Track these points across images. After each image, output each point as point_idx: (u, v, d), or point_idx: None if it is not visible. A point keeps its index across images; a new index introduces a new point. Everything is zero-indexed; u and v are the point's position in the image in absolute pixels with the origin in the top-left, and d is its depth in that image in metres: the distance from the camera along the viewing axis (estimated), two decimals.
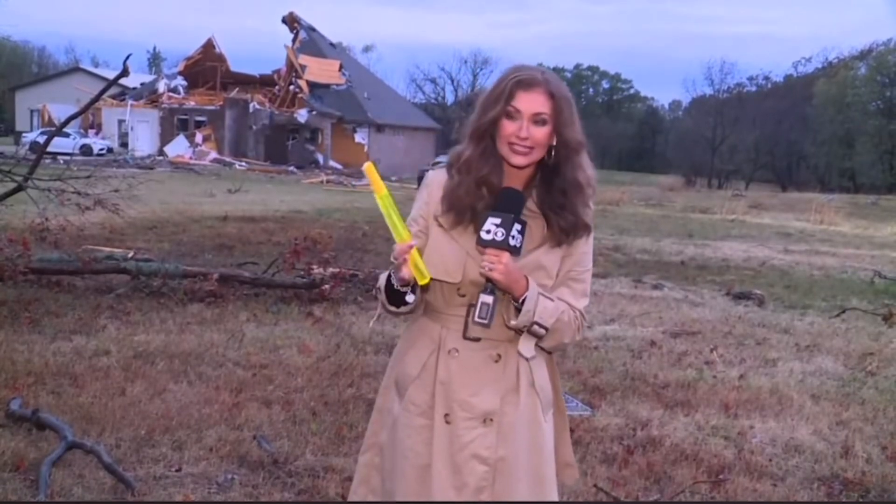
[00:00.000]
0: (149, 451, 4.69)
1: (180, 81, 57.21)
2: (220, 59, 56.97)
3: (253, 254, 12.38)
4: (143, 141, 53.13)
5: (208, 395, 5.70)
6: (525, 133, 2.32)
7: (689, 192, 50.69)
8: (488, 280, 2.30)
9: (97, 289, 9.02)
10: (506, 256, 2.27)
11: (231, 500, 4.22)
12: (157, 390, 5.75)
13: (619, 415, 5.87)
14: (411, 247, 2.24)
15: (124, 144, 53.21)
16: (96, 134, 53.91)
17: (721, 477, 4.85)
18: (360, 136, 52.31)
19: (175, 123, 53.81)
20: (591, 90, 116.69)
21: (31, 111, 63.53)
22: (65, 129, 15.97)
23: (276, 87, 55.26)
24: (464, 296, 2.38)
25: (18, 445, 4.59)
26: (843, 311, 10.46)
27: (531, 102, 2.33)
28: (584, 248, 2.44)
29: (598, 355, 7.60)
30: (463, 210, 2.38)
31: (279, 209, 21.18)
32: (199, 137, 52.42)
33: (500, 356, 2.38)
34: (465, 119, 2.48)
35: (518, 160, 2.35)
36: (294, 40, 56.16)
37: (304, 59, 53.40)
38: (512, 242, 2.27)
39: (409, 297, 2.35)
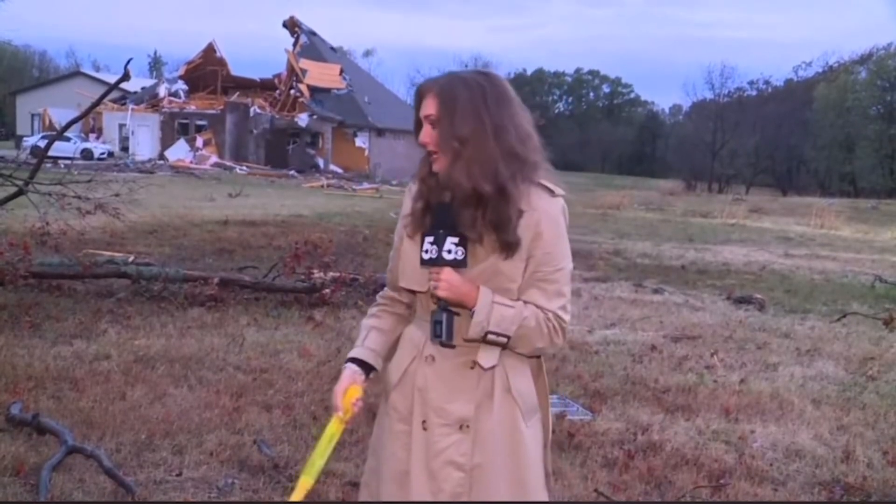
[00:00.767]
0: (149, 455, 4.69)
1: (181, 86, 57.27)
2: (221, 63, 57.04)
3: (253, 258, 12.38)
4: (144, 145, 53.16)
5: (209, 400, 5.69)
6: (423, 137, 2.36)
7: (689, 197, 50.77)
8: (439, 298, 2.34)
9: (98, 293, 9.02)
10: (446, 272, 2.31)
11: None
12: (158, 395, 5.75)
13: (619, 419, 5.87)
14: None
15: (125, 149, 53.23)
16: (97, 138, 53.96)
17: (722, 482, 4.85)
18: (360, 141, 52.35)
19: (176, 128, 53.85)
20: (591, 94, 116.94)
21: (32, 115, 63.60)
22: (65, 134, 15.95)
23: (277, 92, 55.30)
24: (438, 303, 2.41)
25: (19, 450, 4.59)
26: (844, 316, 10.46)
27: (425, 107, 2.37)
28: (549, 248, 2.34)
29: (598, 359, 7.60)
30: (415, 219, 2.42)
31: (280, 213, 21.19)
32: (199, 141, 52.46)
33: (475, 363, 2.37)
34: None
35: (434, 167, 2.37)
36: (295, 45, 56.21)
37: (304, 63, 53.45)
38: (448, 257, 2.31)
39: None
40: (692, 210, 34.58)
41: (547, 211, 2.35)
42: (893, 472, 5.16)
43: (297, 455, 4.82)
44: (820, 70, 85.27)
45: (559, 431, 5.44)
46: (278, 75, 56.35)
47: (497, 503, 2.35)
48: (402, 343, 2.52)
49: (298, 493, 2.39)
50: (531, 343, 2.35)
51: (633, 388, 6.69)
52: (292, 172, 46.86)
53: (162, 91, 56.82)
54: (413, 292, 2.49)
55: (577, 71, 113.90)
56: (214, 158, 50.25)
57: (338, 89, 53.74)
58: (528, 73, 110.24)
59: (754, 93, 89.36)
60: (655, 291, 11.88)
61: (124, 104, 55.38)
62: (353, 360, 2.54)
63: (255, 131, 52.30)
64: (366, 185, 41.77)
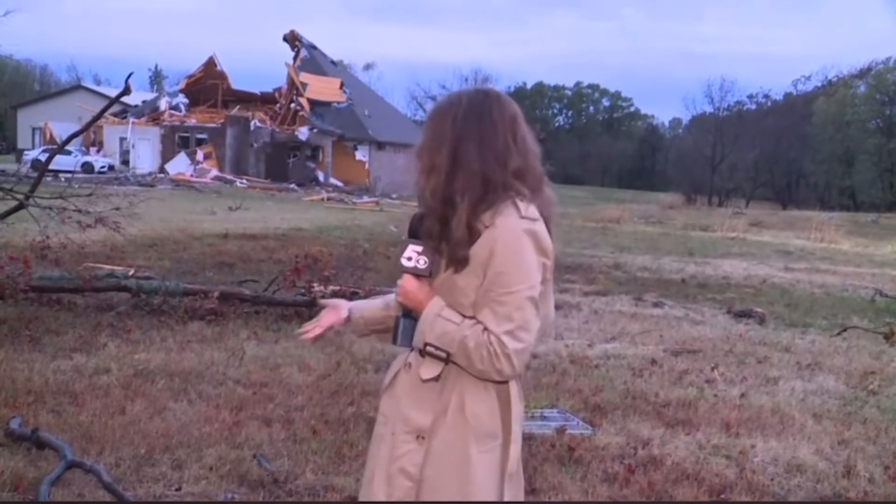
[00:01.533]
0: (148, 470, 4.68)
1: (182, 99, 57.37)
2: (222, 77, 57.17)
3: (253, 271, 12.38)
4: (145, 158, 53.18)
5: (208, 414, 5.68)
6: None
7: (689, 210, 50.81)
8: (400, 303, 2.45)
9: (98, 307, 9.01)
10: (404, 279, 2.39)
11: None
12: (158, 409, 5.74)
13: (620, 434, 5.86)
14: None
15: (125, 162, 53.24)
16: (98, 151, 53.99)
17: (723, 497, 4.84)
18: (360, 154, 52.41)
19: (176, 141, 53.93)
20: (591, 108, 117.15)
21: (33, 129, 63.69)
22: (66, 147, 15.96)
23: (277, 105, 55.40)
24: None
25: (18, 465, 4.58)
26: (845, 330, 10.45)
27: None
28: (501, 268, 2.28)
29: (598, 374, 7.59)
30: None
31: (280, 227, 21.20)
32: (200, 155, 52.53)
33: (440, 373, 2.38)
34: None
35: None
36: (295, 58, 56.32)
37: (305, 76, 53.56)
38: (408, 265, 2.39)
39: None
40: (692, 224, 34.60)
41: (506, 230, 2.30)
42: (895, 488, 5.15)
43: (297, 470, 4.81)
44: (819, 84, 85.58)
45: (559, 446, 5.44)
46: (279, 89, 56.46)
47: None
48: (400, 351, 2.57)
49: None
50: (471, 364, 2.31)
51: (633, 402, 6.68)
52: (292, 186, 46.91)
53: (163, 105, 56.91)
54: None
55: (577, 84, 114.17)
56: (215, 172, 50.31)
57: (338, 103, 53.83)
58: (529, 86, 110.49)
59: (754, 106, 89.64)
60: (655, 305, 11.87)
61: (125, 118, 55.44)
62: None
63: (255, 145, 52.38)
64: (366, 198, 41.81)
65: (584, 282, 13.93)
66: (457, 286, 2.35)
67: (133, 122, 54.91)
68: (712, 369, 7.93)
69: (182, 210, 24.72)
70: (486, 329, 2.28)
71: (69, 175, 21.64)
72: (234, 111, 55.16)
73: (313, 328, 2.74)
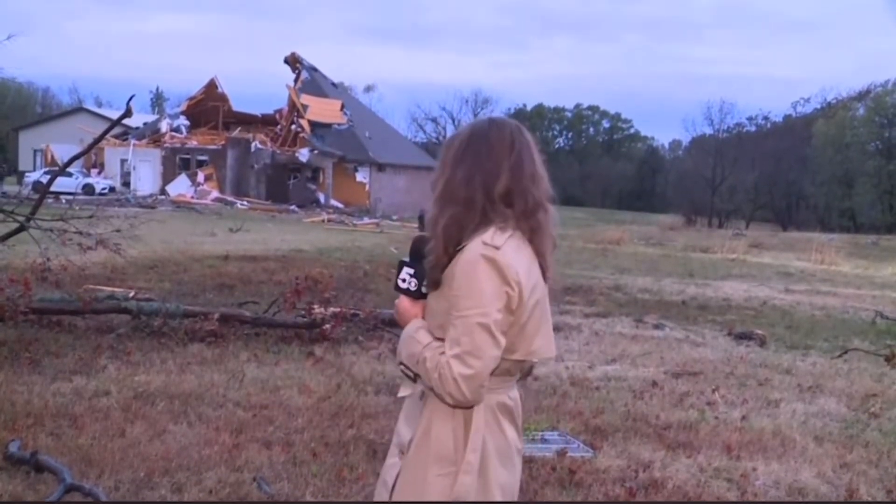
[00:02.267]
0: (148, 493, 4.66)
1: (183, 121, 57.53)
2: (223, 98, 57.35)
3: (254, 293, 12.38)
4: (145, 180, 53.29)
5: (208, 437, 5.67)
6: None
7: (689, 232, 50.79)
8: None
9: (98, 329, 9.01)
10: (401, 300, 2.49)
11: None
12: (157, 431, 5.72)
13: (620, 456, 5.84)
14: None
15: (126, 184, 53.36)
16: (99, 173, 54.12)
17: None
18: (361, 176, 52.48)
19: (177, 163, 54.02)
20: (591, 130, 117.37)
21: (35, 151, 63.76)
22: (67, 169, 16.02)
23: (278, 127, 55.53)
24: None
25: (17, 488, 4.56)
26: (846, 352, 10.43)
27: None
28: (457, 291, 2.31)
29: (599, 395, 7.58)
30: None
31: (280, 248, 21.20)
32: (200, 177, 52.61)
33: (423, 393, 2.43)
34: None
35: None
36: (296, 80, 56.53)
37: (305, 98, 53.74)
38: (402, 286, 2.49)
39: None
40: (692, 245, 34.59)
41: (466, 254, 2.34)
42: None
43: (298, 493, 4.79)
44: (818, 106, 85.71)
45: (560, 469, 5.42)
46: (279, 111, 56.61)
47: None
48: None
49: None
50: (431, 385, 2.34)
51: (634, 424, 6.66)
52: (293, 207, 46.96)
53: (164, 126, 57.06)
54: None
55: (577, 106, 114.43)
56: (215, 193, 50.38)
57: (339, 124, 53.98)
58: (529, 108, 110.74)
59: (753, 128, 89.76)
60: (656, 327, 11.85)
61: (126, 139, 55.58)
62: None
63: (256, 166, 52.47)
64: (366, 220, 41.85)
65: (585, 303, 13.92)
66: (431, 307, 2.43)
67: (134, 144, 55.05)
68: (713, 391, 7.91)
69: (183, 232, 24.74)
70: (443, 352, 2.32)
71: (70, 197, 21.67)
72: (235, 133, 55.29)
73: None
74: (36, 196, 10.67)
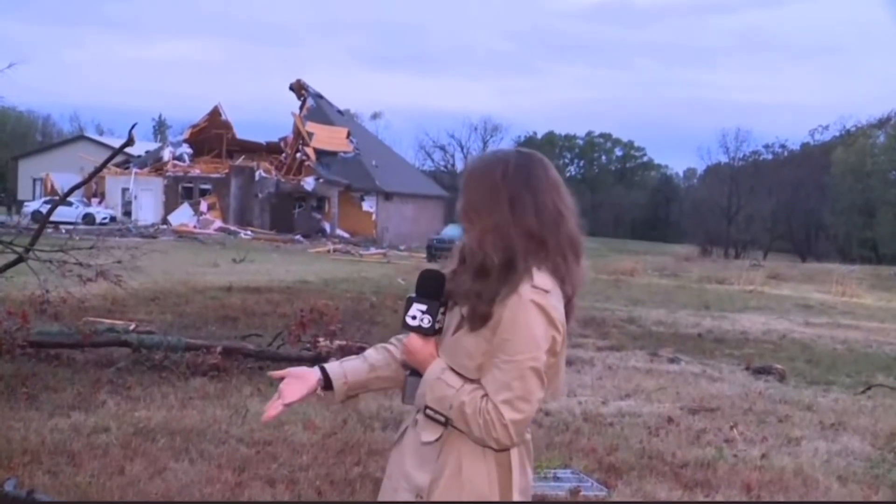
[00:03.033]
0: None
1: (185, 149, 57.92)
2: (226, 126, 57.71)
3: (257, 326, 12.38)
4: (147, 210, 53.57)
5: (210, 474, 5.65)
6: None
7: (704, 262, 50.71)
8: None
9: (97, 362, 9.00)
10: (412, 338, 2.43)
11: None
12: (158, 469, 5.70)
13: (636, 495, 5.80)
14: None
15: (128, 213, 53.66)
16: (99, 203, 54.43)
17: None
18: (367, 205, 52.69)
19: (179, 192, 54.31)
20: (603, 158, 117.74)
21: (34, 180, 64.17)
22: (67, 198, 16.14)
23: (283, 155, 55.85)
24: None
25: None
26: (869, 388, 10.36)
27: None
28: (506, 334, 2.30)
29: (613, 432, 7.53)
30: None
31: (284, 279, 21.23)
32: (203, 206, 52.85)
33: (441, 435, 2.40)
34: None
35: None
36: (301, 108, 56.93)
37: (311, 126, 54.07)
38: (412, 323, 2.42)
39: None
40: (708, 276, 34.51)
41: (516, 297, 2.32)
42: None
43: None
44: (837, 134, 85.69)
45: None
46: (284, 139, 57.00)
47: None
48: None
49: None
50: (469, 431, 2.33)
51: (649, 462, 6.62)
52: (298, 237, 47.11)
53: (166, 155, 57.43)
54: None
55: (589, 134, 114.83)
56: (218, 223, 50.57)
57: (345, 152, 54.28)
58: (539, 135, 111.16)
59: (770, 156, 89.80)
60: (671, 361, 11.81)
61: (128, 168, 55.96)
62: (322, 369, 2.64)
63: (260, 195, 52.69)
64: (373, 250, 41.96)
65: (598, 336, 13.89)
66: (464, 347, 2.38)
67: (136, 173, 55.40)
68: (731, 428, 7.86)
69: (185, 262, 24.80)
70: (485, 395, 2.30)
71: (70, 227, 21.75)
72: (239, 161, 55.59)
73: (273, 406, 2.59)
74: (35, 226, 10.73)
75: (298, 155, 53.78)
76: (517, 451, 2.41)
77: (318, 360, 9.18)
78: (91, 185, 52.01)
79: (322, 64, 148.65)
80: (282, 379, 2.62)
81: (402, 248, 45.58)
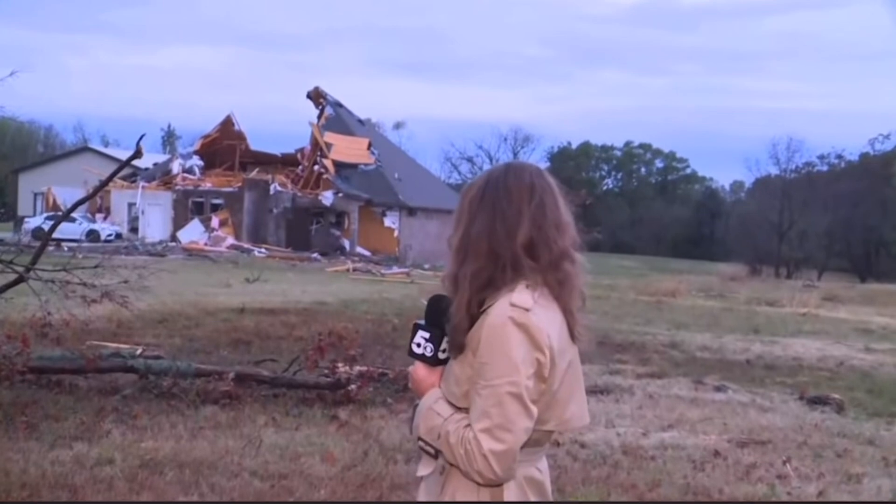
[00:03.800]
0: None
1: (196, 161, 58.29)
2: (240, 137, 58.11)
3: (272, 350, 12.42)
4: (155, 226, 53.94)
5: None
6: None
7: (753, 283, 50.42)
8: None
9: (101, 389, 9.07)
10: (417, 367, 2.50)
11: None
12: None
13: None
14: None
15: (134, 230, 54.07)
16: (104, 218, 54.91)
17: None
18: (389, 221, 52.79)
19: (189, 207, 54.65)
20: (642, 170, 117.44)
21: (35, 194, 64.81)
22: (71, 214, 16.33)
23: (300, 168, 56.13)
24: None
25: None
26: None
27: None
28: (483, 358, 2.31)
29: (654, 466, 7.49)
30: None
31: (301, 300, 21.30)
32: (215, 222, 53.16)
33: (443, 468, 2.42)
34: None
35: None
36: (319, 117, 57.22)
37: (329, 136, 54.32)
38: (417, 351, 2.49)
39: None
40: (757, 298, 34.25)
41: (492, 318, 2.33)
42: None
43: None
44: None
45: None
46: (301, 150, 57.26)
47: None
48: None
49: None
50: (456, 462, 2.33)
51: (694, 499, 6.58)
52: (315, 255, 47.27)
53: (175, 167, 57.83)
54: None
55: (627, 144, 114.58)
56: (231, 240, 50.85)
57: (365, 165, 54.45)
58: (574, 146, 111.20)
59: (825, 168, 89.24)
60: (718, 389, 11.73)
61: (134, 181, 56.40)
62: None
63: (275, 210, 52.96)
64: (395, 269, 42.01)
65: (637, 362, 13.82)
66: (453, 374, 2.42)
67: (143, 187, 55.82)
68: (784, 463, 7.79)
69: (195, 282, 24.96)
70: (468, 425, 2.31)
71: (73, 244, 21.98)
72: (253, 174, 55.90)
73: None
74: (36, 243, 10.82)
75: (316, 167, 54.02)
76: (515, 490, 2.38)
77: (337, 386, 9.21)
78: (95, 200, 52.48)
79: (341, 71, 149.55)
80: None
81: (426, 266, 45.57)
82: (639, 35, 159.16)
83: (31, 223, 48.29)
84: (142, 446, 7.07)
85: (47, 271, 9.60)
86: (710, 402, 10.81)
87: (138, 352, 10.47)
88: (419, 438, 2.42)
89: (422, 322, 2.49)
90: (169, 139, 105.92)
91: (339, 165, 53.29)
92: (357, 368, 9.55)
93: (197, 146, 60.37)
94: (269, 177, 54.77)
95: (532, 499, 2.42)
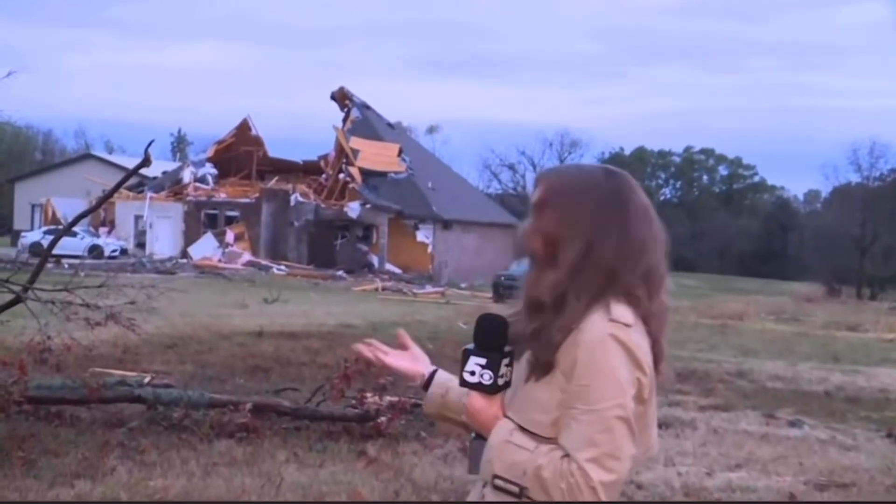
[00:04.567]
0: None
1: (209, 170, 58.66)
2: (257, 142, 58.49)
3: (293, 378, 12.46)
4: (164, 240, 54.34)
5: None
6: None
7: (831, 304, 49.97)
8: None
9: (106, 422, 9.12)
10: (473, 397, 2.42)
11: None
12: None
13: None
14: None
15: (141, 245, 54.52)
16: (109, 232, 55.38)
17: None
18: (422, 235, 52.85)
19: (202, 219, 54.97)
20: (704, 178, 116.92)
21: (33, 206, 65.52)
22: (72, 228, 16.49)
23: (323, 176, 56.36)
24: None
25: None
26: None
27: (533, 194, 2.55)
28: (582, 379, 2.28)
29: None
30: None
31: (325, 323, 21.38)
32: (230, 236, 53.48)
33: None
34: None
35: None
36: (345, 120, 57.46)
37: (356, 142, 54.53)
38: (471, 380, 2.42)
39: None
40: (836, 321, 33.97)
41: (590, 334, 2.31)
42: None
43: None
44: None
45: None
46: (325, 157, 57.52)
47: None
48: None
49: None
50: (551, 499, 2.28)
51: None
52: (340, 273, 47.42)
53: (186, 176, 58.17)
54: None
55: (688, 150, 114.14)
56: (247, 256, 51.13)
57: (396, 173, 54.60)
58: (627, 152, 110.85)
59: None
60: (792, 424, 11.64)
61: (142, 192, 56.82)
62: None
63: (296, 223, 53.18)
64: (429, 288, 42.09)
65: (700, 393, 13.74)
66: (535, 400, 2.37)
67: (151, 197, 56.24)
68: None
69: (208, 303, 25.10)
70: (565, 456, 2.27)
71: (75, 261, 22.19)
72: (272, 183, 56.22)
73: (372, 349, 2.84)
74: (34, 261, 10.93)
75: (341, 176, 54.23)
76: None
77: (365, 418, 9.21)
78: (99, 213, 52.97)
79: (369, 70, 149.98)
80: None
81: (463, 285, 45.63)
82: (700, 28, 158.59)
83: (29, 238, 48.72)
84: (150, 485, 7.10)
85: (46, 291, 9.69)
86: (783, 438, 10.73)
87: (146, 380, 10.54)
88: (495, 476, 2.34)
89: (472, 347, 2.45)
90: (179, 145, 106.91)
91: (366, 174, 53.48)
92: (387, 398, 9.56)
93: (210, 153, 60.75)
94: (290, 186, 55.00)
95: None
